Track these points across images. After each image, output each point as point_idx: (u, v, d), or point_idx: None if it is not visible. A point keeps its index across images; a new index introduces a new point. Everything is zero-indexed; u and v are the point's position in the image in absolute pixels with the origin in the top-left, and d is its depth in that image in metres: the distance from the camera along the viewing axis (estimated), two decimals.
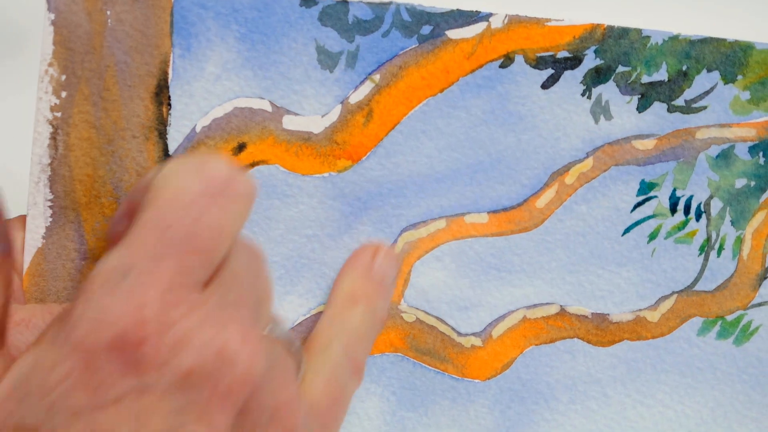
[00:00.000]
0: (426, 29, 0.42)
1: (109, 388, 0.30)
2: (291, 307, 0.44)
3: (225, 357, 0.31)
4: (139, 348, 0.30)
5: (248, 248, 0.35)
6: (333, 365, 0.40)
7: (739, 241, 0.44)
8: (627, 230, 0.44)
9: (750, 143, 0.44)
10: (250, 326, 0.33)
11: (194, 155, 0.36)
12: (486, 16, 0.43)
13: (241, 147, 0.43)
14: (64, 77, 0.41)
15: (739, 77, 0.43)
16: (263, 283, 0.35)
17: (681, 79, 0.43)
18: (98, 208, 0.43)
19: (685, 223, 0.44)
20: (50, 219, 0.42)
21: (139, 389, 0.30)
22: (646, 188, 0.44)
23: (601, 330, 0.44)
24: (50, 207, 0.42)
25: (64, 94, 0.41)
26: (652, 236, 0.44)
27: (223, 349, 0.32)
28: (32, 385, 0.31)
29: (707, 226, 0.44)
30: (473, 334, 0.44)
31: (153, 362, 0.31)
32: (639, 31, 0.43)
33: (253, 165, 0.44)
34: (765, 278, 0.44)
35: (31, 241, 0.42)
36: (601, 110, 0.43)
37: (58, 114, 0.42)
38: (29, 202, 0.43)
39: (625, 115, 0.43)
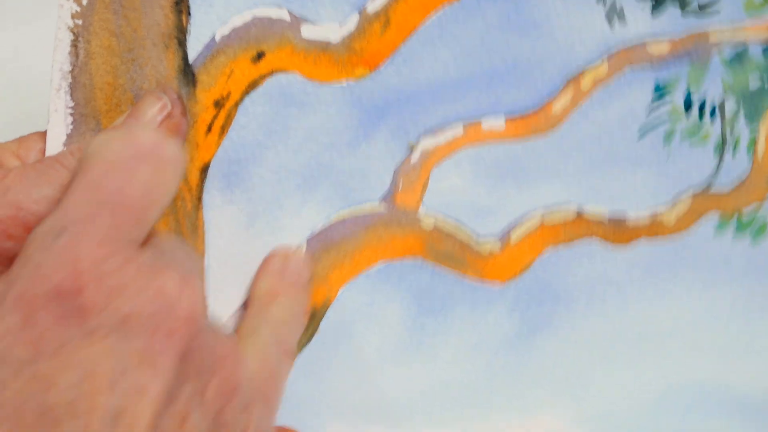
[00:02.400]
0: None
1: (50, 340, 0.31)
2: (309, 215, 0.45)
3: (164, 300, 0.32)
4: (77, 297, 0.31)
5: (178, 237, 0.36)
6: (262, 345, 0.41)
7: (754, 140, 0.45)
8: (642, 133, 0.44)
9: (764, 44, 0.44)
10: (189, 275, 0.33)
11: (122, 126, 0.37)
12: None
13: (259, 56, 0.44)
14: None
15: None
16: (194, 258, 0.36)
17: None
18: (118, 116, 0.43)
19: (699, 125, 0.44)
20: (71, 126, 0.43)
21: (79, 338, 0.31)
22: (661, 90, 0.44)
23: (618, 230, 0.45)
24: (71, 114, 0.43)
25: (85, 1, 0.42)
26: (668, 138, 0.44)
27: (162, 292, 0.32)
28: None
29: (722, 127, 0.45)
30: (492, 238, 0.45)
31: (91, 310, 0.31)
32: None
33: (271, 73, 0.44)
34: None
35: (52, 148, 0.43)
36: (615, 14, 0.44)
37: (79, 21, 0.42)
38: (50, 108, 0.43)
39: (639, 19, 0.44)
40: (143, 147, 0.35)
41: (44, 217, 0.40)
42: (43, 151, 0.43)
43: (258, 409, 0.36)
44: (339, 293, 0.45)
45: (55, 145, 0.43)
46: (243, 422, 0.35)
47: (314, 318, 0.45)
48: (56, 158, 0.42)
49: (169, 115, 0.42)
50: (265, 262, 0.44)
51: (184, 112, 0.43)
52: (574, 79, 0.44)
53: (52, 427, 0.31)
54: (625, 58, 0.44)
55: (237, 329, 0.42)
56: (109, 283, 0.32)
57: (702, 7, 0.44)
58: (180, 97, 0.43)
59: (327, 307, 0.45)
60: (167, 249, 0.34)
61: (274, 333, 0.41)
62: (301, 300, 0.43)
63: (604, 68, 0.44)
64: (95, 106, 0.43)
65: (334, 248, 0.45)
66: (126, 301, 0.32)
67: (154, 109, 0.42)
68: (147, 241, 0.34)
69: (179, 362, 0.32)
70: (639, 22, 0.44)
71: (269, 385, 0.39)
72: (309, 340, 0.45)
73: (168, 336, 0.32)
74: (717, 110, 0.44)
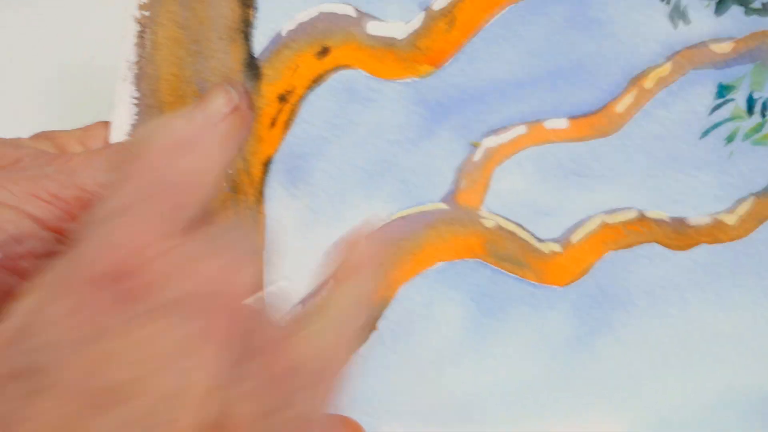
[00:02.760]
0: None
1: (107, 320, 0.30)
2: (371, 211, 0.44)
3: (219, 282, 0.32)
4: (132, 278, 0.31)
5: (236, 221, 0.36)
6: (321, 329, 0.40)
7: None
8: (705, 133, 0.44)
9: None
10: (244, 256, 0.33)
11: (167, 116, 0.38)
12: None
13: (325, 51, 0.44)
14: None
15: None
16: (249, 241, 0.36)
17: None
18: (182, 107, 0.43)
19: (762, 125, 0.45)
20: (135, 116, 0.43)
21: (135, 318, 0.31)
22: (724, 91, 0.44)
23: (679, 234, 0.45)
24: (135, 104, 0.43)
25: None
26: (730, 139, 0.44)
27: (217, 274, 0.32)
28: (30, 328, 0.31)
29: None
30: (552, 239, 0.45)
31: (146, 291, 0.31)
32: None
33: (336, 69, 0.44)
34: None
35: (116, 138, 0.43)
36: (679, 14, 0.44)
37: (146, 12, 0.42)
38: (116, 99, 0.43)
39: (702, 19, 0.44)
40: (187, 133, 0.35)
41: None
42: (107, 140, 0.44)
43: (312, 393, 0.36)
44: (398, 292, 0.45)
45: (119, 134, 0.43)
46: (296, 405, 0.35)
47: (372, 317, 0.45)
48: (122, 144, 0.42)
49: (235, 108, 0.42)
50: (337, 244, 0.43)
51: (251, 106, 0.43)
52: (637, 79, 0.44)
53: (112, 407, 0.30)
54: (688, 57, 0.44)
55: (299, 313, 0.41)
56: (164, 264, 0.31)
57: (766, 6, 0.44)
58: (247, 91, 0.43)
59: (385, 306, 0.45)
60: (223, 231, 0.34)
61: (335, 318, 0.40)
62: (366, 288, 0.42)
63: (667, 68, 0.44)
64: (160, 97, 0.43)
65: (395, 246, 0.45)
66: (180, 283, 0.31)
67: (220, 101, 0.42)
68: (203, 223, 0.34)
69: (234, 344, 0.32)
70: (702, 22, 0.44)
71: (325, 369, 0.39)
72: (367, 338, 0.45)
73: (224, 317, 0.32)
74: None
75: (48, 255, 0.41)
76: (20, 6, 0.57)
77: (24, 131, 0.44)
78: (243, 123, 0.43)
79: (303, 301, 0.44)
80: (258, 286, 0.33)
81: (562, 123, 0.44)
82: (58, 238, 0.40)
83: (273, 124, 0.44)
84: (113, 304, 0.31)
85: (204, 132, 0.35)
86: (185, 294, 0.31)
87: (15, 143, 0.43)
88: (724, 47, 0.44)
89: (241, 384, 0.32)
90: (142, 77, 0.43)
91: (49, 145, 0.44)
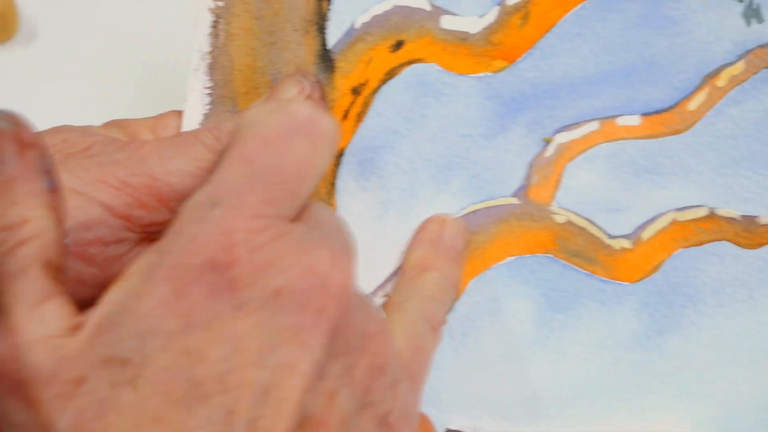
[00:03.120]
0: None
1: (201, 312, 0.30)
2: (442, 205, 0.44)
3: (316, 276, 0.32)
4: (229, 270, 0.31)
5: (331, 210, 0.36)
6: (410, 321, 0.40)
7: None
8: None
9: None
10: (341, 252, 0.33)
11: (275, 99, 0.37)
12: None
13: (398, 44, 0.44)
14: None
15: None
16: (346, 233, 0.36)
17: None
18: (255, 98, 0.43)
19: None
20: (208, 106, 0.43)
21: (230, 311, 0.30)
22: None
23: (749, 232, 0.45)
24: (209, 94, 0.43)
25: None
26: None
27: (314, 268, 0.32)
28: (124, 316, 0.31)
29: None
30: (623, 236, 0.45)
31: (242, 283, 0.31)
32: None
33: (410, 63, 0.44)
34: None
35: (188, 127, 0.43)
36: (752, 13, 0.44)
37: (221, 3, 0.42)
38: (188, 88, 0.43)
39: None
40: (298, 120, 0.34)
41: (177, 189, 0.40)
42: (179, 130, 0.44)
43: (405, 386, 0.36)
44: (467, 286, 0.45)
45: (191, 124, 0.43)
46: (390, 400, 0.35)
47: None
48: (193, 133, 0.42)
49: (307, 99, 0.42)
50: (420, 230, 0.43)
51: (324, 97, 0.43)
52: (710, 77, 0.44)
53: (201, 401, 0.30)
54: (761, 56, 0.44)
55: (386, 302, 0.41)
56: (262, 256, 0.31)
57: None
58: (319, 82, 0.43)
59: (455, 300, 0.45)
60: (320, 224, 0.34)
61: (422, 307, 0.40)
62: (453, 273, 0.42)
63: (740, 67, 0.44)
64: (233, 87, 0.43)
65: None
66: (278, 276, 0.31)
67: (293, 92, 0.42)
68: (301, 215, 0.34)
69: (329, 339, 0.32)
70: None
71: (416, 362, 0.39)
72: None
73: (319, 313, 0.31)
74: None
75: (116, 242, 0.41)
76: None
77: (99, 121, 0.44)
78: None
79: (374, 293, 0.44)
80: (353, 278, 0.33)
81: (634, 120, 0.44)
82: (127, 226, 0.40)
83: (346, 116, 0.44)
84: (207, 296, 0.30)
85: (305, 117, 0.35)
86: (283, 287, 0.31)
87: (86, 130, 0.43)
88: None
89: (334, 380, 0.32)
90: (216, 67, 0.43)
91: (120, 133, 0.44)
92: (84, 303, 0.42)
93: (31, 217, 0.32)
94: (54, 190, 0.34)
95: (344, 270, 0.32)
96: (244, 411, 0.30)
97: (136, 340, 0.30)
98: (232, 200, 0.32)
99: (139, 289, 0.31)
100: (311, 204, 0.34)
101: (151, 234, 0.41)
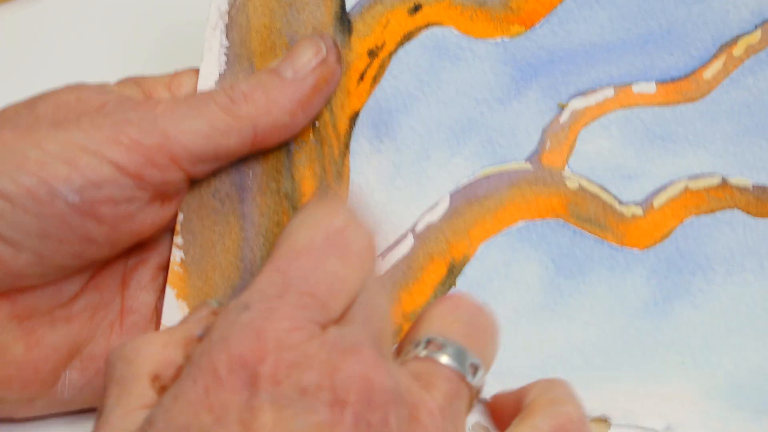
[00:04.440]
0: None
1: (231, 408, 0.31)
2: (456, 170, 0.45)
3: (344, 374, 0.32)
4: (258, 366, 0.31)
5: (376, 290, 0.36)
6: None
7: None
8: None
9: None
10: (372, 350, 0.33)
11: (319, 205, 0.37)
12: None
13: (416, 8, 0.44)
14: None
15: None
16: (385, 322, 0.36)
17: None
18: (272, 59, 0.43)
19: None
20: (224, 65, 0.43)
21: (258, 407, 0.31)
22: None
23: (761, 201, 0.45)
24: (225, 54, 0.43)
25: None
26: None
27: (342, 367, 0.32)
28: (162, 415, 0.32)
29: None
30: (634, 203, 0.45)
31: (273, 379, 0.31)
32: None
33: (427, 26, 0.44)
34: None
35: (204, 85, 0.43)
36: None
37: None
38: (205, 47, 0.43)
39: None
40: (333, 237, 0.34)
41: (190, 149, 0.41)
42: (195, 88, 0.44)
43: None
44: (478, 250, 0.45)
45: (207, 82, 0.43)
46: None
47: (452, 273, 0.45)
48: (208, 94, 0.42)
49: (323, 61, 0.43)
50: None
51: (339, 59, 0.43)
52: (727, 46, 0.44)
53: None
54: None
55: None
56: (291, 355, 0.32)
57: None
58: (335, 44, 0.43)
59: (465, 264, 0.45)
60: (355, 330, 0.34)
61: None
62: None
63: (757, 36, 0.44)
64: (250, 47, 0.43)
65: (477, 203, 0.45)
66: (306, 374, 0.31)
67: (309, 54, 0.42)
68: (340, 319, 0.34)
69: None
70: None
71: None
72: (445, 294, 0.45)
73: (347, 409, 0.31)
74: None
75: (127, 201, 0.41)
76: None
77: (115, 79, 0.45)
78: (330, 76, 0.43)
79: (382, 255, 0.45)
80: (388, 379, 0.32)
81: (650, 87, 0.45)
82: (139, 185, 0.41)
83: (361, 78, 0.44)
84: (237, 391, 0.31)
85: (350, 226, 0.35)
86: (311, 384, 0.31)
87: (101, 88, 0.43)
88: None
89: None
90: (233, 27, 0.43)
91: (135, 91, 0.44)
92: (93, 263, 0.43)
93: None
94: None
95: (378, 369, 0.32)
96: None
97: None
98: (263, 304, 0.33)
99: (175, 389, 0.32)
100: (354, 307, 0.35)
101: (162, 193, 0.42)
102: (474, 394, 0.36)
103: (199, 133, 0.41)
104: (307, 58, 0.42)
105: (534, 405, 0.37)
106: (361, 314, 0.35)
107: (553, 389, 0.37)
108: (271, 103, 0.42)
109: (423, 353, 0.35)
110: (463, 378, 0.35)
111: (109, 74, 0.46)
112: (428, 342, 0.36)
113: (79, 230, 0.41)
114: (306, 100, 0.42)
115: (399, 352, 0.37)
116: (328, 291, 0.34)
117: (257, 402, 0.31)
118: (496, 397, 0.39)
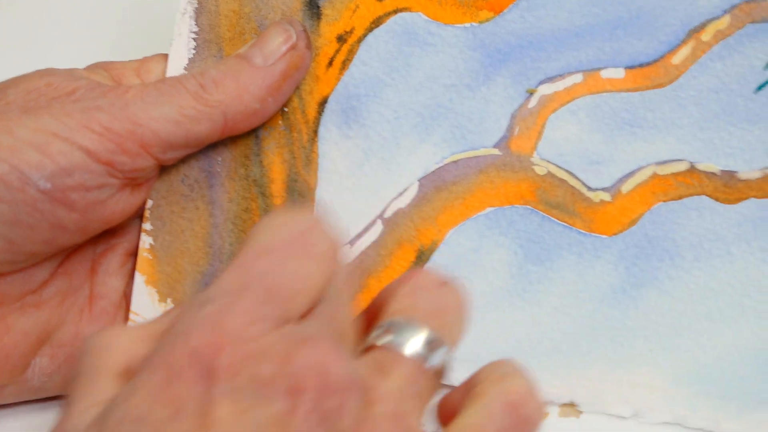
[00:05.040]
0: None
1: (189, 400, 0.31)
2: (424, 155, 0.45)
3: (301, 365, 0.32)
4: (215, 359, 0.31)
5: (340, 293, 0.36)
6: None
7: None
8: (760, 87, 0.44)
9: None
10: (330, 341, 0.33)
11: (286, 211, 0.37)
12: None
13: None
14: None
15: None
16: (347, 323, 0.36)
17: None
18: (241, 44, 0.43)
19: None
20: (193, 51, 0.43)
21: (216, 399, 0.31)
22: None
23: (728, 187, 0.45)
24: (194, 39, 0.43)
25: None
26: None
27: (300, 357, 0.32)
28: (120, 406, 0.31)
29: None
30: (603, 189, 0.45)
31: (230, 371, 0.31)
32: None
33: (396, 12, 0.44)
34: None
35: (173, 71, 0.43)
36: None
37: None
38: (175, 32, 0.43)
39: None
40: (296, 238, 0.34)
41: (161, 135, 0.41)
42: (164, 73, 0.44)
43: None
44: (447, 236, 0.45)
45: (176, 67, 0.43)
46: None
47: (420, 260, 0.45)
48: (178, 79, 0.42)
49: (293, 47, 0.43)
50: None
51: (309, 45, 0.43)
52: (695, 31, 0.44)
53: None
54: (747, 11, 0.44)
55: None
56: (248, 348, 0.31)
57: None
58: (305, 30, 0.43)
59: (434, 250, 0.45)
60: (314, 324, 0.34)
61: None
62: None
63: (725, 21, 0.44)
64: (219, 32, 0.43)
65: (446, 190, 0.45)
66: (263, 365, 0.31)
67: (279, 40, 0.42)
68: (303, 318, 0.34)
69: (317, 424, 0.32)
70: None
71: None
72: None
73: (305, 399, 0.31)
74: None
75: (98, 188, 0.41)
76: None
77: (84, 64, 0.44)
78: (300, 62, 0.43)
79: (351, 242, 0.45)
80: (344, 369, 0.32)
81: (618, 73, 0.45)
82: (110, 171, 0.41)
83: (330, 64, 0.44)
84: (193, 384, 0.31)
85: (314, 229, 0.34)
86: (269, 375, 0.31)
87: (71, 74, 0.43)
88: None
89: None
90: (202, 12, 0.43)
91: (105, 76, 0.44)
92: (63, 249, 0.42)
93: None
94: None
95: (332, 356, 0.32)
96: None
97: (130, 426, 0.31)
98: (223, 299, 0.32)
99: (133, 381, 0.32)
100: (316, 308, 0.34)
101: (132, 180, 0.42)
102: (438, 374, 0.36)
103: (170, 119, 0.41)
104: (277, 44, 0.42)
105: (482, 385, 0.36)
106: (324, 314, 0.34)
107: (501, 367, 0.37)
108: (241, 90, 0.42)
109: (384, 338, 0.35)
110: (424, 359, 0.35)
111: (76, 59, 0.45)
112: (389, 326, 0.36)
113: (50, 217, 0.40)
114: (276, 86, 0.42)
115: (361, 335, 0.37)
116: (290, 289, 0.33)
117: (214, 394, 0.31)
118: (445, 397, 0.39)
